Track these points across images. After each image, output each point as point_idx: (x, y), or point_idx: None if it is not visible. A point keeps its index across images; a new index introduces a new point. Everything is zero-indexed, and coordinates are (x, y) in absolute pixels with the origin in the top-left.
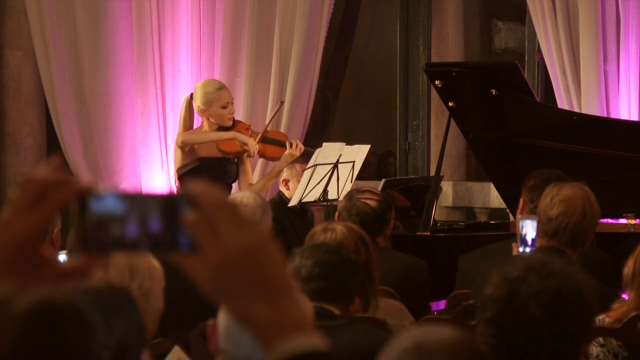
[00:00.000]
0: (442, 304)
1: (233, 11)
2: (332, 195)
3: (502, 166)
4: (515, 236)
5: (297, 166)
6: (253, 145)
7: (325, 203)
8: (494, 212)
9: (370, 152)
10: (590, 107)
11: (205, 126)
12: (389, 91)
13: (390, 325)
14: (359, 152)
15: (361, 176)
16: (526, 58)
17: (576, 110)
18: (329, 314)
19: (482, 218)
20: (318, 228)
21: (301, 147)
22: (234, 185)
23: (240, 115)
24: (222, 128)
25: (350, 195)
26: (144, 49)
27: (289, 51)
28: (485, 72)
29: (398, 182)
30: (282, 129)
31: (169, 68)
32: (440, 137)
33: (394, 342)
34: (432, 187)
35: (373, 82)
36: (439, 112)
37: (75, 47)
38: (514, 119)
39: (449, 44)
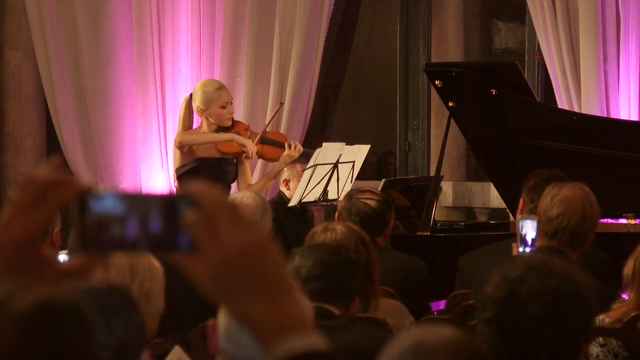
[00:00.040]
0: (442, 304)
1: (233, 11)
2: (332, 195)
3: (502, 166)
4: (515, 236)
5: (298, 166)
6: (251, 147)
7: (325, 203)
8: (494, 212)
9: (370, 152)
10: (590, 107)
11: (205, 126)
12: (389, 91)
13: (390, 325)
14: (359, 152)
15: (361, 176)
16: (526, 58)
17: (576, 110)
18: (329, 314)
19: (482, 218)
20: (318, 228)
21: (300, 148)
22: (233, 186)
23: (240, 115)
24: (221, 128)
25: (350, 195)
26: (144, 49)
27: (289, 51)
28: (485, 72)
29: (398, 182)
30: (282, 129)
31: (169, 68)
32: (440, 137)
33: (394, 342)
34: (432, 187)
35: (373, 82)
36: (439, 112)
37: (75, 47)
38: (514, 119)
39: (449, 44)
